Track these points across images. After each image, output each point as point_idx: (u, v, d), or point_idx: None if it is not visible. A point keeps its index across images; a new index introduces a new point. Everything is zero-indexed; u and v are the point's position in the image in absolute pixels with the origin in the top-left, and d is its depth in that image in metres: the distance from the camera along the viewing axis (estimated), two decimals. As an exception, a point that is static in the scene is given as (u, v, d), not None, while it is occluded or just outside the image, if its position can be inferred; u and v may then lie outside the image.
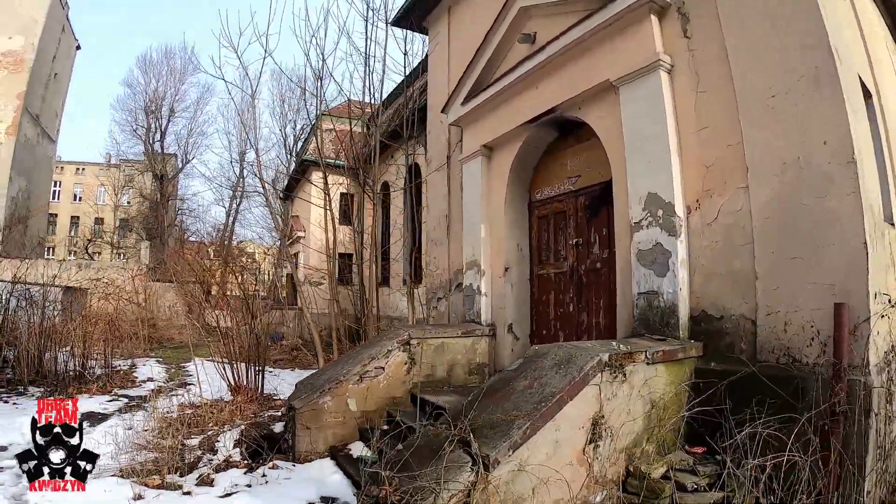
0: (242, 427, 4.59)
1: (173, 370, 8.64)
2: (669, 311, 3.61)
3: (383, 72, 8.90)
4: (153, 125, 20.77)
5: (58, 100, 18.68)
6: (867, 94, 3.93)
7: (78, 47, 19.80)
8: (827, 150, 2.99)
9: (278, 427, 4.62)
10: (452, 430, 2.56)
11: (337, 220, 10.34)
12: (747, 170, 3.32)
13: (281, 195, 17.15)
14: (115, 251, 19.69)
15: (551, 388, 2.67)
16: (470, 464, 2.31)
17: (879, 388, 2.79)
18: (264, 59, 11.75)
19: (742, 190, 3.35)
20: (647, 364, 3.12)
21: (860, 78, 3.63)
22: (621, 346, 3.13)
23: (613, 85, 4.10)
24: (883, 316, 2.90)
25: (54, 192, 26.90)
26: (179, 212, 21.11)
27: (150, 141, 20.86)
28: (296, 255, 15.33)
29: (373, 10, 8.16)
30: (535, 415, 2.50)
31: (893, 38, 6.73)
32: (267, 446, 4.06)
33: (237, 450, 4.07)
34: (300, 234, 15.14)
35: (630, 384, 2.98)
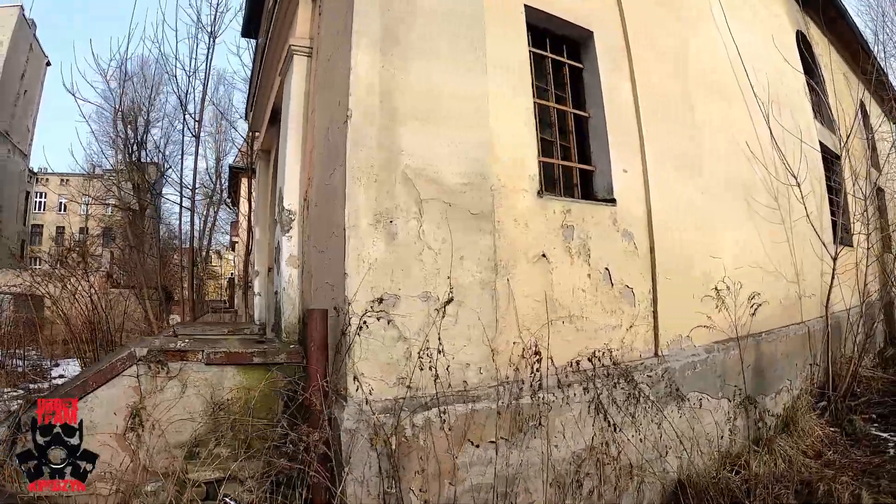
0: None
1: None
2: (277, 312, 3.24)
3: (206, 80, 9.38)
4: (130, 135, 21.94)
5: (28, 116, 20.14)
6: (581, 33, 3.31)
7: (48, 63, 21.39)
8: (342, 105, 2.42)
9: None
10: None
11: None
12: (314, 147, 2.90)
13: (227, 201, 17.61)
14: (85, 260, 20.78)
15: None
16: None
17: (370, 436, 2.13)
18: (123, 82, 12.40)
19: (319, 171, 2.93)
20: (206, 364, 2.81)
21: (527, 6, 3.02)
22: (179, 343, 2.91)
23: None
24: (360, 331, 2.19)
25: (40, 203, 29.14)
26: (152, 219, 22.11)
27: (129, 151, 21.99)
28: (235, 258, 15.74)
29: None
30: (60, 393, 2.65)
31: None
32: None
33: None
34: (235, 239, 15.46)
35: (182, 382, 2.76)
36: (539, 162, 2.90)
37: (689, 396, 3.39)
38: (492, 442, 2.41)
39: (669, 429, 3.15)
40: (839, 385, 4.71)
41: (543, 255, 2.77)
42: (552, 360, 2.66)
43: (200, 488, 2.59)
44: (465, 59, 2.68)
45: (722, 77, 4.46)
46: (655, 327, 3.25)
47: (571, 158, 3.36)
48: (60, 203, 26.91)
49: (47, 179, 26.42)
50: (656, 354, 3.24)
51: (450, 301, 2.40)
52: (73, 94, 11.05)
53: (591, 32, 3.34)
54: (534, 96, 2.99)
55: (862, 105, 6.82)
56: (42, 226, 28.59)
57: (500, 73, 2.81)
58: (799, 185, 4.81)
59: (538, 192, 2.82)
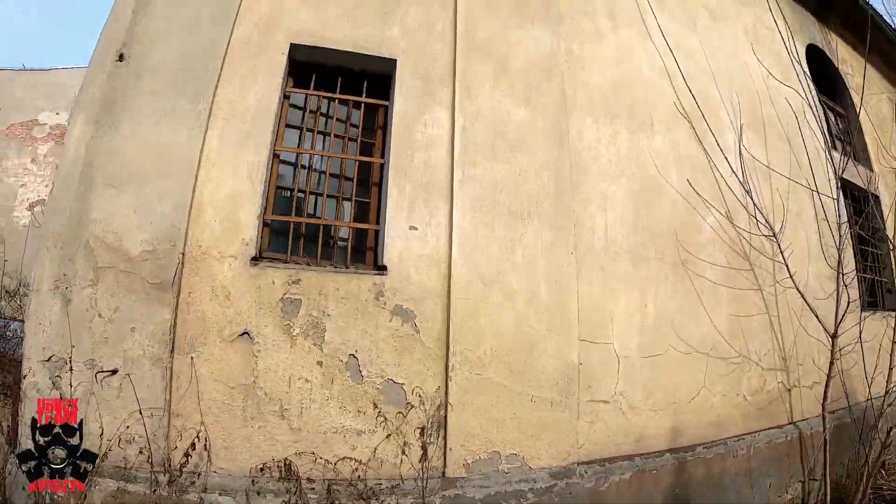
0: None
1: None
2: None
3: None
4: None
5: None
6: (383, 65, 2.95)
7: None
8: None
9: None
10: None
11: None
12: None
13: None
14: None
15: None
16: None
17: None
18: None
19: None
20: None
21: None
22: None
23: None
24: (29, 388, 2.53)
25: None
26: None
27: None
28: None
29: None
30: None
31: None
32: None
33: None
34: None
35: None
36: (292, 223, 2.63)
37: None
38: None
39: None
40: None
41: (246, 334, 2.41)
42: (238, 459, 2.38)
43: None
44: (184, 114, 2.65)
45: (647, 98, 3.58)
46: (445, 438, 2.59)
47: (369, 218, 2.92)
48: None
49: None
50: (443, 475, 2.57)
51: (114, 372, 2.37)
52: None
53: (395, 61, 2.91)
54: (326, 143, 2.84)
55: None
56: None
57: (232, 124, 2.64)
58: (776, 236, 3.56)
59: (252, 259, 2.48)
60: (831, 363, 3.46)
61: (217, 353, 2.41)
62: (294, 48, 2.81)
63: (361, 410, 2.51)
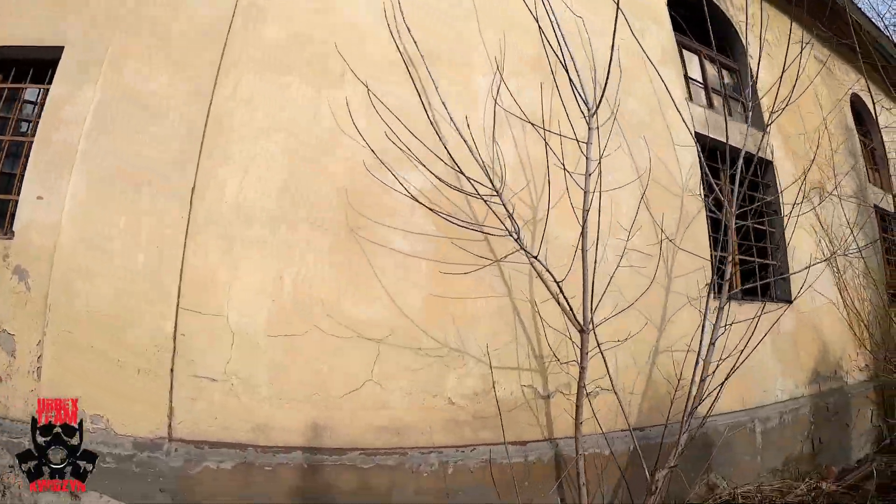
0: None
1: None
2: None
3: None
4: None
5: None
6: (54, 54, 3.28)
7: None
8: None
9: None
10: None
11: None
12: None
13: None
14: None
15: None
16: None
17: None
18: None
19: None
20: None
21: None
22: None
23: None
24: None
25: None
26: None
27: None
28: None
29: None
30: None
31: None
32: None
33: None
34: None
35: None
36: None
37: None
38: None
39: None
40: None
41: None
42: None
43: None
44: None
45: (350, 46, 3.18)
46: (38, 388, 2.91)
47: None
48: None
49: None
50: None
51: None
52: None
53: (62, 49, 3.32)
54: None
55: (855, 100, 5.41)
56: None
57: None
58: (499, 195, 2.70)
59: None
60: (581, 368, 2.54)
61: None
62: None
63: (-18, 354, 3.02)
